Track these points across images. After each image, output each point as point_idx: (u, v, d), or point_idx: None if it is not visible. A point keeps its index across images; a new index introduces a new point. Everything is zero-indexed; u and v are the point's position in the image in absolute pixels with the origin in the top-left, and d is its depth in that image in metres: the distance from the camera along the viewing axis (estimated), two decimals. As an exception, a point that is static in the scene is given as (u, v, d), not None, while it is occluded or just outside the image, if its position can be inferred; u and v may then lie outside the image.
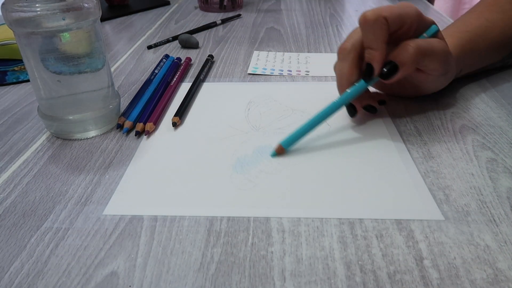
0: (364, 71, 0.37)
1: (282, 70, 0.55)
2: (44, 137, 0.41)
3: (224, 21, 0.78)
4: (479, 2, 0.50)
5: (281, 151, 0.37)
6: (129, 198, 0.32)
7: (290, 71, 0.55)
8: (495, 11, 0.48)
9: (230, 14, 0.83)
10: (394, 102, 0.45)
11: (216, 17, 0.81)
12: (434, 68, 0.38)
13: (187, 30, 0.73)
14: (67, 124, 0.39)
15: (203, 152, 0.37)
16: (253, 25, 0.76)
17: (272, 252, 0.27)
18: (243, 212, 0.30)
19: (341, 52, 0.39)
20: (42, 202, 0.32)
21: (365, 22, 0.35)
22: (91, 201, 0.32)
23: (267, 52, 0.62)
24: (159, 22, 0.80)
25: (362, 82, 0.37)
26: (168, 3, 0.93)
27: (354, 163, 0.35)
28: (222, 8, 0.86)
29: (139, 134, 0.40)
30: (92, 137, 0.41)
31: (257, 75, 0.53)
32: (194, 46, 0.64)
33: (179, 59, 0.57)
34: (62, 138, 0.40)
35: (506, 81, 0.49)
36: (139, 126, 0.41)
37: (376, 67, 0.36)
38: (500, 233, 0.28)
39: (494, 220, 0.29)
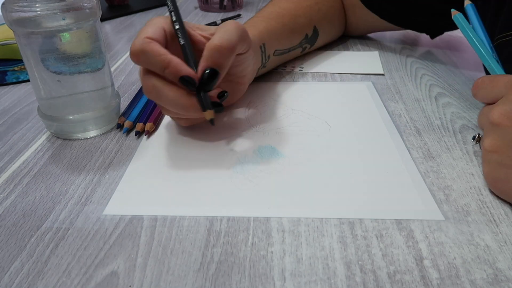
0: (186, 84, 0.34)
1: (285, 67, 0.56)
2: (44, 137, 0.41)
3: (224, 21, 0.78)
4: None
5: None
6: (129, 198, 0.32)
7: (293, 67, 0.56)
8: (289, 1, 0.55)
9: (230, 14, 0.83)
10: (394, 102, 0.45)
11: (216, 17, 0.81)
12: (242, 48, 0.37)
13: (187, 30, 0.73)
14: (67, 124, 0.39)
15: (203, 152, 0.37)
16: (253, 25, 0.76)
17: (272, 252, 0.27)
18: (243, 212, 0.30)
19: (149, 90, 0.35)
20: (42, 202, 0.32)
21: (135, 54, 0.34)
22: (91, 201, 0.32)
23: None
24: (159, 22, 0.80)
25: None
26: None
27: (354, 163, 0.35)
28: (222, 8, 0.86)
29: (139, 134, 0.40)
30: (92, 137, 0.41)
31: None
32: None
33: None
34: (62, 138, 0.40)
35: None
36: (139, 126, 0.41)
37: (190, 74, 0.34)
38: (500, 233, 0.28)
39: (494, 220, 0.29)
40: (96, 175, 0.35)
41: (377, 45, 0.63)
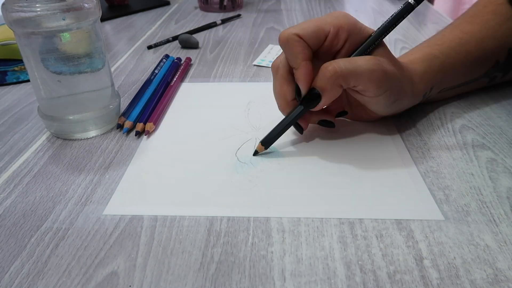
0: (297, 92, 0.35)
1: None
2: (44, 137, 0.41)
3: (224, 21, 0.78)
4: (460, 15, 0.47)
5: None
6: (129, 198, 0.32)
7: None
8: (473, 22, 0.44)
9: (230, 14, 0.83)
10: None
11: (216, 17, 0.81)
12: (364, 89, 0.34)
13: (187, 30, 0.73)
14: (67, 124, 0.39)
15: (203, 152, 0.37)
16: (253, 25, 0.76)
17: (272, 252, 0.27)
18: (243, 212, 0.30)
19: (272, 70, 0.37)
20: (42, 202, 0.32)
21: (280, 42, 0.34)
22: (91, 201, 0.32)
23: (279, 46, 0.63)
24: (159, 22, 0.80)
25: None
26: (168, 3, 0.93)
27: (354, 163, 0.35)
28: (222, 8, 0.86)
29: (139, 134, 0.40)
30: (92, 137, 0.41)
31: (258, 70, 0.53)
32: (194, 46, 0.64)
33: (179, 59, 0.57)
34: (62, 138, 0.40)
35: (506, 81, 0.49)
36: (139, 126, 0.41)
37: (301, 86, 0.34)
38: (500, 233, 0.28)
39: (494, 220, 0.29)
40: (96, 175, 0.35)
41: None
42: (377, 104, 0.36)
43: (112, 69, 0.57)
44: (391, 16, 0.35)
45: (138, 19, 0.83)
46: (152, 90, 0.47)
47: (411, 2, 0.34)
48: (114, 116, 0.42)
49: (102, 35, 0.39)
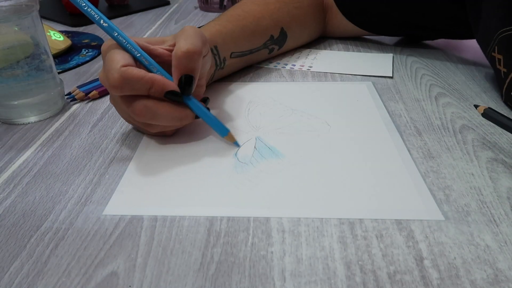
0: (175, 95, 0.36)
1: (286, 64, 0.56)
2: (44, 137, 0.41)
3: (224, 21, 0.78)
4: None
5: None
6: (129, 198, 0.32)
7: (294, 65, 0.56)
8: (256, 3, 0.55)
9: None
10: (394, 102, 0.45)
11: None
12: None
13: (187, 30, 0.73)
14: (8, 109, 0.43)
15: (203, 152, 0.37)
16: (253, 25, 0.76)
17: (272, 252, 0.27)
18: (243, 212, 0.30)
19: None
20: (42, 202, 0.32)
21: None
22: (91, 201, 0.32)
23: None
24: (159, 22, 0.80)
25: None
26: (168, 3, 0.93)
27: (354, 163, 0.35)
28: (222, 8, 0.85)
29: (73, 99, 0.48)
30: (34, 122, 0.44)
31: (258, 70, 0.53)
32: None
33: None
34: (5, 123, 0.44)
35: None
36: (77, 92, 0.48)
37: (171, 87, 0.35)
38: (500, 233, 0.28)
39: (494, 220, 0.29)
40: (96, 175, 0.35)
41: (377, 45, 0.63)
42: (206, 65, 0.40)
43: (112, 69, 0.57)
44: None
45: (138, 19, 0.83)
46: None
47: None
48: (58, 101, 0.45)
49: (38, 27, 0.42)
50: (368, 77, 0.52)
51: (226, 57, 0.49)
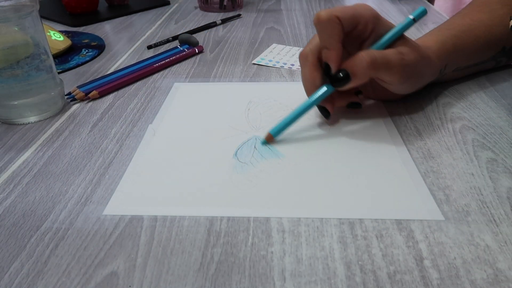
0: (325, 72, 0.38)
1: (285, 63, 0.56)
2: (44, 137, 0.41)
3: (224, 21, 0.78)
4: (468, 4, 0.51)
5: (270, 139, 0.38)
6: (129, 198, 0.32)
7: (293, 64, 0.56)
8: (482, 11, 0.48)
9: (230, 14, 0.83)
10: (393, 102, 0.45)
11: (216, 17, 0.81)
12: (389, 80, 0.37)
13: (187, 30, 0.73)
14: (7, 109, 0.42)
15: (203, 152, 0.37)
16: (253, 25, 0.76)
17: (272, 252, 0.27)
18: (243, 212, 0.30)
19: (301, 58, 0.39)
20: (42, 202, 0.32)
21: (319, 21, 0.35)
22: (91, 201, 0.32)
23: (283, 45, 0.64)
24: (159, 22, 0.80)
25: (323, 88, 0.38)
26: (168, 3, 0.93)
27: (354, 163, 0.35)
28: (222, 8, 0.86)
29: (73, 98, 0.48)
30: (34, 122, 0.44)
31: (258, 70, 0.53)
32: (194, 45, 0.64)
33: (190, 47, 0.61)
34: (5, 123, 0.44)
35: (506, 81, 0.49)
36: (77, 92, 0.48)
37: (333, 66, 0.36)
38: (500, 233, 0.28)
39: (494, 220, 0.29)
40: (96, 175, 0.35)
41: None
42: (399, 88, 0.40)
43: (112, 69, 0.57)
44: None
45: (138, 19, 0.83)
46: (129, 70, 0.53)
47: None
48: (58, 102, 0.45)
49: (38, 27, 0.42)
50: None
51: (448, 72, 0.46)
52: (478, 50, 0.46)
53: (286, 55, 0.59)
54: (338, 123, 0.41)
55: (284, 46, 0.63)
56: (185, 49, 0.60)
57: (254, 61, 0.57)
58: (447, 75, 0.46)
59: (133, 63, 0.57)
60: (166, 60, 0.56)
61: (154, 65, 0.54)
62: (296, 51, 0.61)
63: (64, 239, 0.28)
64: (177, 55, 0.58)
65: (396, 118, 0.42)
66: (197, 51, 0.61)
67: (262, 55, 0.59)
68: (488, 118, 0.42)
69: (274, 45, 0.64)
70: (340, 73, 0.36)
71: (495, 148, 0.37)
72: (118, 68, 0.57)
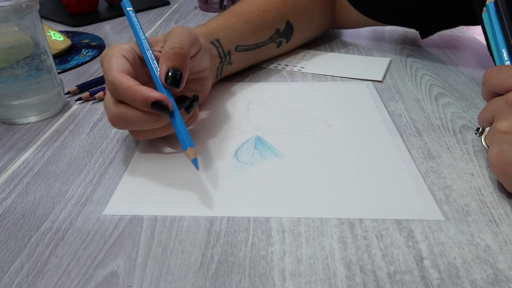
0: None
1: (279, 64, 0.56)
2: (44, 137, 0.41)
3: (224, 21, 0.78)
4: None
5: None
6: (129, 198, 0.32)
7: (287, 65, 0.56)
8: None
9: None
10: (394, 102, 0.45)
11: (216, 17, 0.81)
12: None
13: (187, 30, 0.73)
14: (8, 109, 0.43)
15: (203, 152, 0.37)
16: (253, 25, 0.76)
17: (272, 252, 0.27)
18: (243, 212, 0.30)
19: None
20: (42, 202, 0.32)
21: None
22: (91, 201, 0.32)
23: None
24: (159, 22, 0.80)
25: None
26: (168, 3, 0.93)
27: (354, 163, 0.35)
28: (222, 8, 0.85)
29: (69, 94, 0.49)
30: (35, 122, 0.44)
31: (258, 70, 0.53)
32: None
33: None
34: (5, 123, 0.44)
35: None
36: (85, 95, 0.48)
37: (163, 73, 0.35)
38: (500, 233, 0.28)
39: (494, 220, 0.29)
40: (96, 175, 0.35)
41: (377, 44, 0.63)
42: (201, 61, 0.40)
43: (112, 69, 0.57)
44: None
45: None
46: None
47: None
48: (57, 101, 0.45)
49: (38, 27, 0.42)
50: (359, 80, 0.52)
51: (231, 50, 0.49)
52: (251, 30, 0.51)
53: (286, 56, 0.59)
54: (338, 123, 0.41)
55: None
56: None
57: None
58: (234, 53, 0.49)
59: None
60: None
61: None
62: (296, 51, 0.61)
63: (64, 239, 0.28)
64: None
65: (396, 118, 0.42)
66: None
67: None
68: (488, 118, 0.42)
69: None
70: (169, 75, 0.34)
71: (495, 148, 0.37)
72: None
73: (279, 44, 0.56)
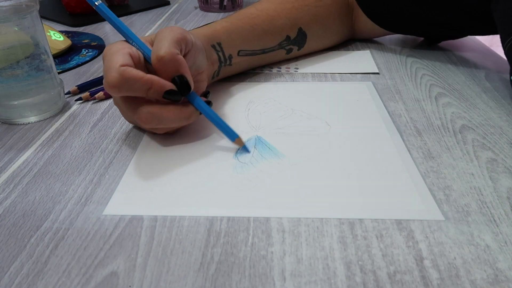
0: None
1: (271, 67, 0.56)
2: (44, 137, 0.41)
3: (224, 21, 0.78)
4: None
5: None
6: (129, 198, 0.32)
7: (280, 68, 0.55)
8: (272, 1, 0.53)
9: (230, 14, 0.83)
10: (394, 102, 0.45)
11: (216, 17, 0.81)
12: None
13: (187, 30, 0.73)
14: (8, 109, 0.43)
15: (203, 152, 0.37)
16: (253, 25, 0.76)
17: (272, 252, 0.27)
18: (243, 212, 0.30)
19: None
20: (42, 202, 0.32)
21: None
22: (91, 201, 0.32)
23: None
24: (159, 22, 0.80)
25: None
26: (168, 3, 0.93)
27: (354, 163, 0.35)
28: (222, 8, 0.86)
29: (69, 94, 0.49)
30: (35, 122, 0.44)
31: (257, 75, 0.53)
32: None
33: None
34: (5, 123, 0.44)
35: (506, 81, 0.49)
36: (85, 94, 0.48)
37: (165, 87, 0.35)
38: (500, 233, 0.28)
39: (494, 220, 0.29)
40: (96, 175, 0.35)
41: (377, 44, 0.63)
42: (194, 60, 0.39)
43: (112, 69, 0.57)
44: None
45: (138, 19, 0.83)
46: None
47: None
48: (57, 102, 0.45)
49: (38, 27, 0.42)
50: (362, 75, 0.52)
51: (233, 55, 0.48)
52: (257, 36, 0.50)
53: None
54: (338, 123, 0.41)
55: None
56: None
57: None
58: (236, 58, 0.48)
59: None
60: None
61: None
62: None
63: (64, 239, 0.28)
64: None
65: (396, 118, 0.42)
66: None
67: None
68: (488, 118, 0.42)
69: None
70: (177, 83, 0.35)
71: (495, 148, 0.37)
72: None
73: (288, 51, 0.54)
